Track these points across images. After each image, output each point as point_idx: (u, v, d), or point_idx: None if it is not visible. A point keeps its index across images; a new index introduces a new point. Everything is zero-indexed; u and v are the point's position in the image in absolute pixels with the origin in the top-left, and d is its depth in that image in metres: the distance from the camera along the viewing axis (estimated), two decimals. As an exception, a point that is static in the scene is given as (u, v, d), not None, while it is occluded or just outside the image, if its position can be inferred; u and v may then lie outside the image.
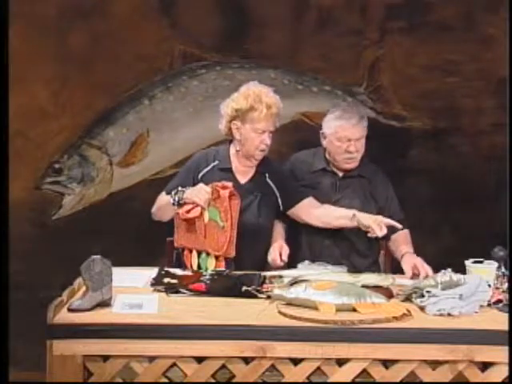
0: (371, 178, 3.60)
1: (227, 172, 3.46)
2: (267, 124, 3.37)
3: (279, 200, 3.49)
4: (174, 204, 3.32)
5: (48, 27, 4.44)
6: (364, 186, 3.58)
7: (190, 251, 3.36)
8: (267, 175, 3.50)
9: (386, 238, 3.48)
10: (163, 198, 3.44)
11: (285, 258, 3.31)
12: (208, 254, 3.32)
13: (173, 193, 3.33)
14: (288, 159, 3.72)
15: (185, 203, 3.31)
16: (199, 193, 3.28)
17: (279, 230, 3.55)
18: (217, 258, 3.31)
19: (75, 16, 4.45)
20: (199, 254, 3.34)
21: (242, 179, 3.48)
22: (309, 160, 3.65)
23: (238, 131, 3.41)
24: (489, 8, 4.43)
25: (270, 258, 3.36)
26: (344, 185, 3.58)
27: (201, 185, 3.33)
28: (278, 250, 3.34)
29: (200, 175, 3.45)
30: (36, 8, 4.40)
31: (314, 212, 3.47)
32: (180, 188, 3.33)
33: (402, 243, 3.49)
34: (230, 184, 3.31)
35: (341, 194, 3.56)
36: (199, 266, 3.33)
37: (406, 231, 3.56)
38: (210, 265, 3.31)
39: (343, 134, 3.48)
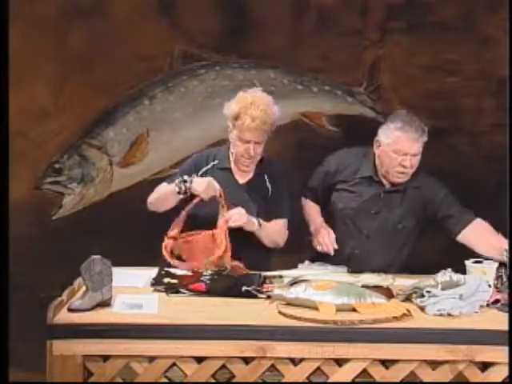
0: (420, 187, 3.46)
1: (226, 171, 3.45)
2: (251, 135, 3.30)
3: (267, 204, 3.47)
4: (179, 193, 3.28)
5: (48, 27, 4.44)
6: (413, 198, 3.46)
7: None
8: (266, 177, 3.48)
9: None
10: (165, 187, 3.40)
11: (334, 243, 3.31)
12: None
13: (177, 181, 3.29)
14: (333, 154, 3.59)
15: (191, 194, 3.28)
16: (208, 188, 3.25)
17: (316, 214, 3.53)
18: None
19: (75, 16, 4.46)
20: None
21: (241, 179, 3.48)
22: (356, 163, 3.51)
23: (231, 133, 3.41)
24: (489, 8, 4.43)
25: (320, 246, 3.33)
26: (388, 198, 3.45)
27: (210, 179, 3.30)
28: (328, 237, 3.33)
29: (200, 173, 3.44)
30: (36, 8, 4.40)
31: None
32: (185, 177, 3.29)
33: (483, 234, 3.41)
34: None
35: (382, 207, 3.45)
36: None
37: (480, 221, 3.47)
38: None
39: (401, 147, 3.33)
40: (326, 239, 3.34)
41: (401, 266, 3.48)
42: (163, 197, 3.40)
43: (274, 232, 3.42)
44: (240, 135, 3.33)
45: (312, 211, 3.56)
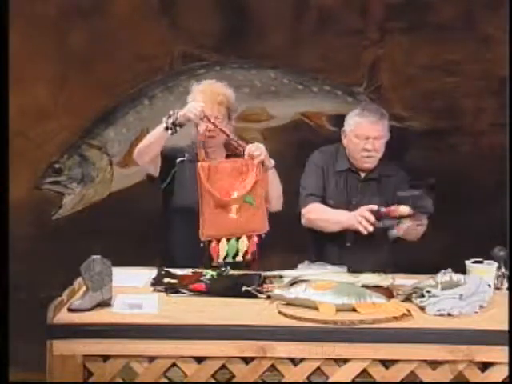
0: (394, 175, 3.53)
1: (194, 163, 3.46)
2: (209, 111, 3.33)
3: None
4: (168, 128, 3.28)
5: (48, 27, 4.44)
6: (386, 186, 3.51)
7: (218, 241, 3.27)
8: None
9: None
10: (153, 132, 3.38)
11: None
12: (238, 239, 3.25)
13: (164, 118, 3.30)
14: (309, 159, 3.63)
15: (180, 125, 3.27)
16: (192, 107, 3.25)
17: (337, 212, 3.48)
18: (249, 238, 3.26)
19: (75, 16, 4.46)
20: (228, 240, 3.26)
21: None
22: (332, 159, 3.57)
23: (195, 127, 3.44)
24: (489, 8, 4.43)
25: (361, 226, 3.29)
26: (365, 187, 3.52)
27: (192, 102, 3.31)
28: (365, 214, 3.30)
29: (177, 161, 3.46)
30: (36, 8, 4.41)
31: None
32: (171, 112, 3.29)
33: None
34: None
35: (362, 196, 3.50)
36: (227, 253, 3.25)
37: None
38: (242, 247, 3.24)
39: (361, 131, 3.43)
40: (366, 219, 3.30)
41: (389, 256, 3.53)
42: (152, 139, 3.36)
43: (278, 184, 3.41)
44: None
45: (330, 212, 3.51)
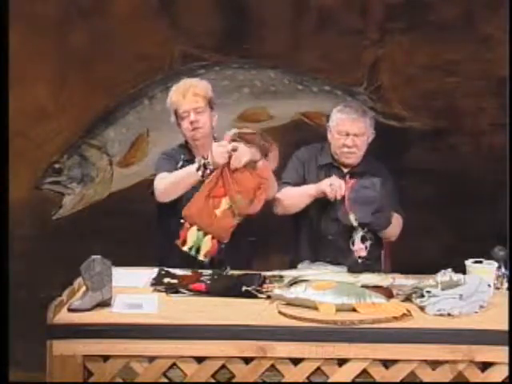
0: (376, 174, 3.53)
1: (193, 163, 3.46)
2: (187, 103, 3.40)
3: None
4: (199, 170, 3.26)
5: (48, 27, 4.44)
6: (367, 180, 3.50)
7: (191, 225, 3.25)
8: None
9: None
10: (182, 173, 3.36)
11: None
12: (205, 235, 3.24)
13: (197, 159, 3.29)
14: (293, 155, 3.67)
15: (210, 170, 3.27)
16: (216, 155, 3.23)
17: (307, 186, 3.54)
18: (211, 239, 3.25)
19: (75, 16, 4.46)
20: (198, 230, 3.25)
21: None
22: (316, 154, 3.64)
23: (180, 129, 3.48)
24: (489, 8, 4.43)
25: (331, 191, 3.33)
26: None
27: (214, 145, 3.27)
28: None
29: (178, 166, 3.46)
30: (36, 8, 4.41)
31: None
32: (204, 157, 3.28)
33: None
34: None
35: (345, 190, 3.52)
36: (193, 244, 3.24)
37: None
38: (205, 246, 3.23)
39: (343, 127, 3.50)
40: (336, 184, 3.34)
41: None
42: (181, 181, 3.34)
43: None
44: (179, 111, 3.43)
45: (300, 188, 3.54)
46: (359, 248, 3.34)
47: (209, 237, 3.23)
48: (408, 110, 4.54)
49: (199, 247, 3.23)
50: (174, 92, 3.48)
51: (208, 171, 3.26)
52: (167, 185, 3.36)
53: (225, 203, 3.24)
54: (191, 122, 3.41)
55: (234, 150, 3.23)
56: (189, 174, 3.30)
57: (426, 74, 4.49)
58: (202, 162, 3.25)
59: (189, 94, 3.42)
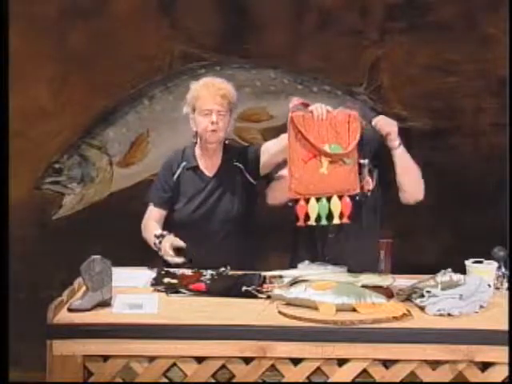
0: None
1: (195, 170, 3.46)
2: (211, 102, 3.36)
3: (247, 175, 3.46)
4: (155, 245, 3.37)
5: (48, 27, 4.44)
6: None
7: (307, 200, 3.12)
8: (233, 160, 3.48)
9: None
10: (149, 229, 3.48)
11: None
12: (328, 199, 3.13)
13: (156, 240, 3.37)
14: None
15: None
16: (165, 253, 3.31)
17: None
18: (340, 198, 3.12)
19: (75, 16, 4.46)
20: (317, 200, 3.12)
21: (210, 173, 3.48)
22: None
23: (193, 123, 3.45)
24: (489, 8, 4.43)
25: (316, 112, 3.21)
26: None
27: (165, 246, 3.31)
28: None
29: (174, 177, 3.46)
30: (36, 8, 4.41)
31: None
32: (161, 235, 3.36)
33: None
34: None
35: None
36: (319, 214, 3.13)
37: None
38: (335, 208, 3.11)
39: None
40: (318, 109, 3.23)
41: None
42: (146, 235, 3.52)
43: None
44: (202, 107, 3.38)
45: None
46: (367, 181, 3.25)
47: (335, 198, 3.12)
48: (408, 109, 4.54)
49: (330, 213, 3.13)
50: (201, 88, 3.41)
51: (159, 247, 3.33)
52: (143, 227, 3.54)
53: (324, 159, 3.11)
54: (211, 123, 3.37)
55: (307, 105, 3.18)
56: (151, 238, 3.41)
57: (426, 74, 4.50)
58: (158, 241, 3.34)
59: (218, 95, 3.37)
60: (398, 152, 3.30)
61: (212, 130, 3.37)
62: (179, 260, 3.25)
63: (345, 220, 3.14)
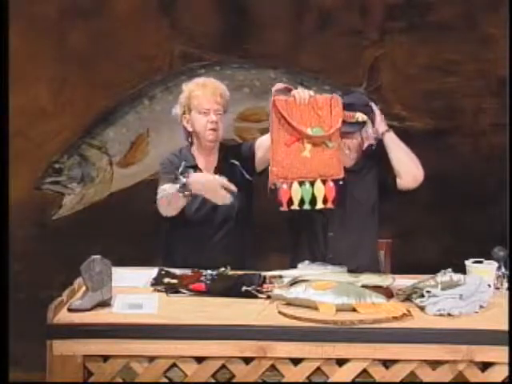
0: (372, 167, 3.49)
1: (194, 169, 3.43)
2: (208, 102, 3.36)
3: (244, 172, 3.45)
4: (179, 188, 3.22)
5: (48, 27, 4.44)
6: (366, 177, 3.48)
7: (289, 185, 3.12)
8: (230, 157, 3.48)
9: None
10: (168, 193, 3.29)
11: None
12: (312, 184, 3.12)
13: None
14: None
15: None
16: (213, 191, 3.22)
17: None
18: (324, 183, 3.12)
19: (75, 16, 4.46)
20: (300, 185, 3.12)
21: (208, 172, 3.46)
22: None
23: (189, 123, 3.43)
24: (489, 8, 4.43)
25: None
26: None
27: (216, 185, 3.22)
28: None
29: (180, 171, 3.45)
30: (36, 8, 4.41)
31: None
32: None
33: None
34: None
35: None
36: (302, 199, 3.12)
37: None
38: (319, 192, 3.11)
39: None
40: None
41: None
42: (170, 200, 3.31)
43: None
44: (198, 108, 3.37)
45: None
46: (368, 135, 3.34)
47: (318, 182, 3.12)
48: (408, 110, 4.54)
49: (313, 198, 3.12)
50: (197, 87, 3.41)
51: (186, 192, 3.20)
52: (162, 204, 3.33)
53: (306, 142, 3.12)
54: (211, 122, 3.37)
55: (289, 90, 3.19)
56: (174, 195, 3.25)
57: (426, 74, 4.50)
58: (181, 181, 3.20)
59: (217, 94, 3.39)
60: (388, 136, 3.36)
61: (211, 128, 3.38)
62: (228, 200, 3.18)
63: (329, 205, 3.14)
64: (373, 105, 3.42)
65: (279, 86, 3.25)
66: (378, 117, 3.39)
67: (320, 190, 3.12)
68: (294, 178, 3.11)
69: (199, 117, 3.39)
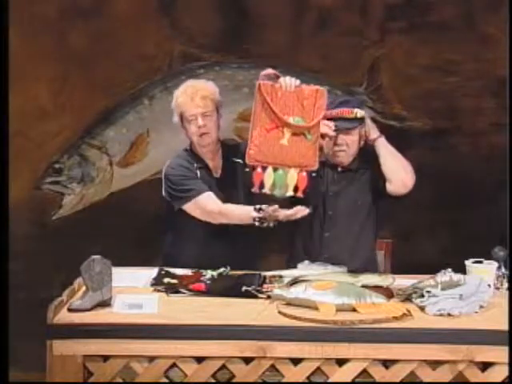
0: (368, 168, 3.50)
1: (206, 169, 3.44)
2: (195, 107, 3.33)
3: (245, 169, 3.39)
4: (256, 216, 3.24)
5: (48, 27, 4.44)
6: (362, 177, 3.50)
7: (264, 168, 3.13)
8: (233, 157, 3.47)
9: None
10: (239, 211, 3.31)
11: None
12: (285, 171, 3.14)
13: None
14: None
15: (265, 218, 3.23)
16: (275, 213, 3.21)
17: None
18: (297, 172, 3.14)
19: (75, 16, 4.46)
20: (275, 170, 3.14)
21: (216, 174, 3.47)
22: None
23: (185, 132, 3.43)
24: (489, 8, 4.43)
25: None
26: (342, 178, 3.50)
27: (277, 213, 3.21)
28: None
29: (198, 175, 3.44)
30: (36, 8, 4.41)
31: None
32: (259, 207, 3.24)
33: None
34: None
35: (338, 187, 3.50)
36: (274, 184, 3.13)
37: None
38: (291, 180, 3.12)
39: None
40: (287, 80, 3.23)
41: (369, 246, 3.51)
42: (240, 218, 3.32)
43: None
44: (186, 114, 3.35)
45: None
46: (368, 131, 3.38)
47: (292, 171, 3.13)
48: (408, 109, 4.54)
49: (285, 185, 3.13)
50: (180, 94, 3.39)
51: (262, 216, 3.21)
52: (227, 219, 3.32)
53: (286, 130, 3.13)
54: (199, 127, 3.34)
55: (278, 77, 3.19)
56: (246, 213, 3.26)
57: (426, 74, 4.50)
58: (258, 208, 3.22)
59: (197, 98, 3.33)
60: (379, 142, 3.38)
61: (201, 133, 3.35)
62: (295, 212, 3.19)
63: (299, 194, 3.15)
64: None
65: (268, 71, 3.26)
66: (370, 123, 3.43)
67: (293, 178, 3.14)
68: (269, 163, 3.13)
69: (188, 125, 3.37)
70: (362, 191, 3.49)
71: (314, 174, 3.21)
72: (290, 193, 3.14)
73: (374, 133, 3.42)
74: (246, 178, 3.41)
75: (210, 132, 3.37)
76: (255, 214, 3.23)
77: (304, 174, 3.15)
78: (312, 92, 3.17)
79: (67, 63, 4.47)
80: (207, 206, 3.33)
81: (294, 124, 3.12)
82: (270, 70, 3.26)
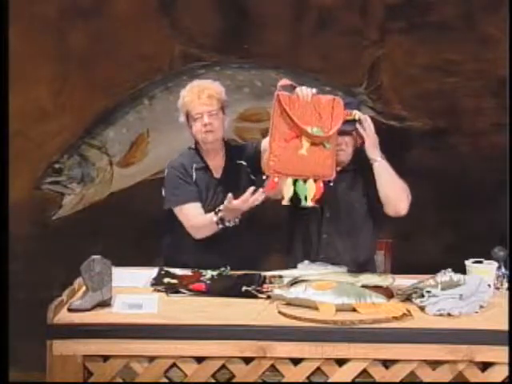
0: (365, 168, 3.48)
1: (205, 170, 3.45)
2: (201, 105, 3.35)
3: (249, 171, 3.47)
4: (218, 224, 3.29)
5: (48, 27, 4.44)
6: (360, 178, 3.48)
7: (282, 180, 3.13)
8: (236, 158, 3.48)
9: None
10: (202, 218, 3.36)
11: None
12: (305, 181, 3.15)
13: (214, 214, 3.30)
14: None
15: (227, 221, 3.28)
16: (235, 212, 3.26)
17: None
18: (315, 181, 3.14)
19: (75, 16, 4.46)
20: (294, 182, 3.15)
21: (217, 174, 3.47)
22: None
23: (190, 130, 3.44)
24: (489, 8, 4.43)
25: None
26: (340, 178, 3.43)
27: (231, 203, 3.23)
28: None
29: (194, 177, 3.44)
30: (36, 8, 4.41)
31: None
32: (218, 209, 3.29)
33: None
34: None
35: (336, 187, 3.47)
36: (295, 193, 3.14)
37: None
38: (311, 191, 3.13)
39: None
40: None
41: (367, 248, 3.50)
42: (202, 227, 3.37)
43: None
44: (192, 112, 3.37)
45: None
46: (361, 134, 3.32)
47: (310, 181, 3.14)
48: (408, 109, 4.55)
49: (305, 195, 3.13)
50: (187, 93, 3.41)
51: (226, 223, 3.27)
52: (195, 231, 3.37)
53: (305, 140, 3.13)
54: (204, 125, 3.36)
55: (294, 87, 3.18)
56: (209, 219, 3.31)
57: (426, 74, 4.50)
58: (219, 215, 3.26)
59: (204, 96, 3.36)
60: (380, 164, 3.33)
61: (206, 130, 3.36)
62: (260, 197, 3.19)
63: (313, 203, 3.16)
64: (368, 119, 3.37)
65: (285, 81, 3.25)
66: (373, 139, 3.34)
67: (312, 188, 3.15)
68: (289, 175, 3.14)
69: (194, 123, 3.38)
70: (360, 192, 3.49)
71: (331, 184, 3.19)
72: (309, 203, 3.15)
73: (376, 154, 3.34)
74: (250, 183, 3.42)
75: (215, 130, 3.38)
76: (215, 218, 3.28)
77: (321, 184, 3.15)
78: (329, 101, 3.18)
79: (67, 63, 4.48)
80: (187, 216, 3.37)
81: (313, 134, 3.12)
82: (286, 81, 3.25)
